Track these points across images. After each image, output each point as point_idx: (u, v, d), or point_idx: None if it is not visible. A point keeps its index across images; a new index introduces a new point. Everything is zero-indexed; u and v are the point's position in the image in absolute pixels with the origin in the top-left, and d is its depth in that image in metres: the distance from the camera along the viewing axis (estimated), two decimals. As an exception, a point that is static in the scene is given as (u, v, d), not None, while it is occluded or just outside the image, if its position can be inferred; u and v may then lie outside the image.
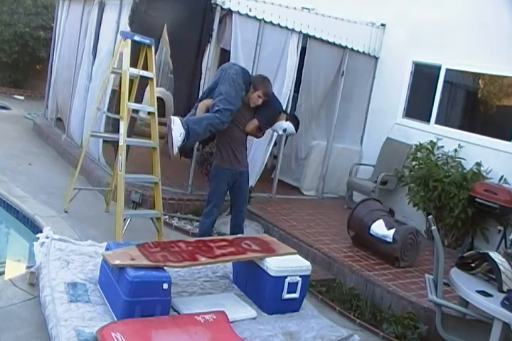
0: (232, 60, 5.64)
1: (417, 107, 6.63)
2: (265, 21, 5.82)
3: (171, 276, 3.11)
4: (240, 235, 4.09)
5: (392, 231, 4.68)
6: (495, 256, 3.18)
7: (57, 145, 7.45)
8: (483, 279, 3.23)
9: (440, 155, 5.82)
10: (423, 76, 6.65)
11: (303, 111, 6.50)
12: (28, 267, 3.77)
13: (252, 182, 5.64)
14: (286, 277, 3.38)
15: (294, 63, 6.15)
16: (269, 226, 5.43)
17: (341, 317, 3.94)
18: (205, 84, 5.51)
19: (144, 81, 4.91)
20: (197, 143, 5.76)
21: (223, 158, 4.32)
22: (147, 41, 4.71)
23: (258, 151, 6.08)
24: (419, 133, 6.28)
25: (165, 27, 5.57)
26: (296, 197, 6.81)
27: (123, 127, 4.43)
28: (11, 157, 6.63)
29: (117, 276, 2.99)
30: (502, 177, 5.34)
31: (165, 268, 3.10)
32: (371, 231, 4.82)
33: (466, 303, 3.19)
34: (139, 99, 5.27)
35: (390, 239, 4.66)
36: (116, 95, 5.65)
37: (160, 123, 4.93)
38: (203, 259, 3.27)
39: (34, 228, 4.55)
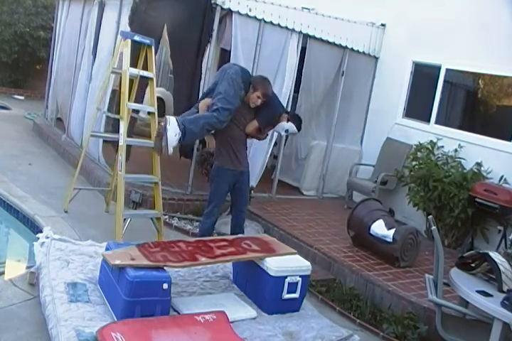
0: (232, 60, 5.65)
1: (417, 107, 6.63)
2: (265, 21, 5.81)
3: (171, 276, 3.11)
4: (240, 235, 4.09)
5: (392, 231, 4.68)
6: (495, 256, 3.18)
7: (57, 145, 7.45)
8: (483, 279, 3.23)
9: (440, 155, 5.82)
10: (423, 76, 6.65)
11: (303, 111, 6.49)
12: (28, 267, 3.77)
13: (253, 182, 5.65)
14: (286, 277, 3.38)
15: (294, 63, 6.15)
16: (269, 226, 5.43)
17: (341, 317, 3.94)
18: (205, 84, 5.51)
19: (144, 81, 4.91)
20: (197, 143, 5.77)
21: (224, 158, 4.31)
22: (147, 41, 4.71)
23: (258, 151, 6.08)
24: (419, 133, 6.28)
25: (165, 27, 5.56)
26: (296, 197, 6.81)
27: (123, 127, 4.43)
28: (11, 157, 6.63)
29: (117, 276, 2.99)
30: (502, 177, 5.34)
31: (165, 268, 3.10)
32: (371, 231, 4.82)
33: (466, 303, 3.19)
34: (139, 99, 5.27)
35: (390, 239, 4.66)
36: (116, 95, 5.65)
37: (160, 123, 4.92)
38: (203, 259, 3.27)
39: (34, 228, 4.55)
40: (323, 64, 6.56)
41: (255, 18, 5.74)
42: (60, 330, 2.71)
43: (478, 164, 5.52)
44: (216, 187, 4.35)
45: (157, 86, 5.57)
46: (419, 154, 5.90)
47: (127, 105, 4.53)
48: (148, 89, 4.88)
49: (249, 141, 4.58)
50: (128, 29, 5.43)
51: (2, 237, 5.10)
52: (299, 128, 4.60)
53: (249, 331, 3.08)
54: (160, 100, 7.71)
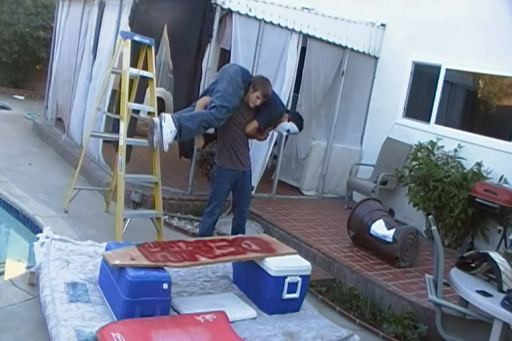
0: (232, 60, 5.65)
1: (417, 107, 6.63)
2: (265, 21, 5.81)
3: (171, 276, 3.11)
4: (240, 235, 4.09)
5: (392, 231, 4.68)
6: (495, 256, 3.18)
7: (57, 145, 7.45)
8: (483, 279, 3.23)
9: (440, 155, 5.82)
10: (423, 76, 6.65)
11: (303, 111, 6.48)
12: (28, 267, 3.77)
13: (253, 182, 5.64)
14: (286, 277, 3.37)
15: (294, 63, 6.15)
16: (269, 226, 5.43)
17: (341, 317, 3.95)
18: (205, 84, 5.50)
19: (144, 81, 4.91)
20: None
21: (225, 158, 4.31)
22: (147, 41, 4.71)
23: (258, 152, 6.08)
24: (419, 133, 6.28)
25: (165, 27, 5.56)
26: (296, 197, 6.81)
27: (123, 127, 4.43)
28: (11, 157, 6.63)
29: (117, 276, 2.99)
30: (502, 177, 5.34)
31: (165, 268, 3.10)
32: (371, 231, 4.82)
33: (466, 303, 3.19)
34: (139, 99, 5.27)
35: (390, 239, 4.66)
36: (116, 95, 5.64)
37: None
38: (203, 259, 3.27)
39: (34, 228, 4.56)
40: (323, 64, 6.56)
41: (255, 18, 5.74)
42: (60, 330, 2.71)
43: (478, 164, 5.52)
44: (217, 186, 4.36)
45: (157, 86, 5.58)
46: (419, 154, 5.90)
47: (127, 105, 4.53)
48: (148, 89, 4.87)
49: (249, 141, 4.57)
50: (128, 29, 5.42)
51: (2, 237, 5.10)
52: (300, 127, 4.59)
53: (249, 331, 3.08)
54: (160, 100, 7.72)
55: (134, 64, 4.70)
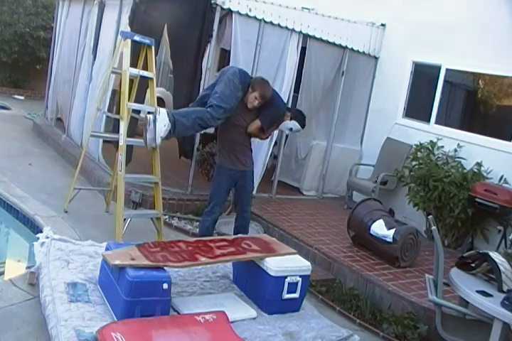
0: (232, 60, 5.66)
1: (417, 107, 6.63)
2: (265, 21, 5.81)
3: (171, 276, 3.11)
4: (240, 235, 4.09)
5: (392, 231, 4.68)
6: (495, 256, 3.18)
7: (57, 145, 7.45)
8: (483, 279, 3.23)
9: (440, 155, 5.82)
10: (423, 76, 6.65)
11: (303, 111, 6.49)
12: (28, 267, 3.77)
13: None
14: (286, 277, 3.37)
15: (294, 63, 6.15)
16: (269, 226, 5.43)
17: (341, 317, 3.95)
18: (205, 84, 5.50)
19: (144, 81, 4.91)
20: (197, 143, 5.77)
21: (225, 158, 4.37)
22: (147, 41, 4.71)
23: (258, 152, 6.07)
24: (419, 133, 6.28)
25: (165, 27, 5.56)
26: (296, 197, 6.81)
27: (123, 127, 4.43)
28: (11, 157, 6.63)
29: (117, 276, 2.99)
30: (502, 177, 5.34)
31: (165, 268, 3.10)
32: (371, 231, 4.82)
33: (466, 303, 3.19)
34: (139, 99, 5.27)
35: (390, 239, 4.66)
36: (116, 95, 5.64)
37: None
38: (203, 259, 3.27)
39: (34, 228, 4.55)
40: (323, 64, 6.56)
41: (255, 18, 5.74)
42: (60, 330, 2.71)
43: (478, 164, 5.52)
44: (217, 185, 4.39)
45: (157, 86, 5.57)
46: (419, 154, 5.90)
47: (127, 105, 4.53)
48: (148, 89, 4.87)
49: (251, 140, 4.58)
50: (128, 29, 5.43)
51: (2, 237, 5.10)
52: (303, 125, 4.61)
53: (249, 331, 3.08)
54: (160, 100, 7.72)
55: (134, 64, 4.70)
